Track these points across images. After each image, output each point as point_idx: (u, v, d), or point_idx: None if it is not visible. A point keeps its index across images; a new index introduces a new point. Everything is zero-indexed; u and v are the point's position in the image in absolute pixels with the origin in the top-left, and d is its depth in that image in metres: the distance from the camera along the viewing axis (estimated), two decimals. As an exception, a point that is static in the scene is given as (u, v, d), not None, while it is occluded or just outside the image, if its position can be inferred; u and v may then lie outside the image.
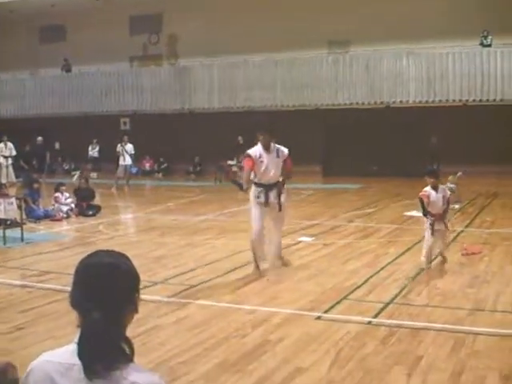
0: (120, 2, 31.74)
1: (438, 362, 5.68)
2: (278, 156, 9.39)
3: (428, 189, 9.54)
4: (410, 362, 5.71)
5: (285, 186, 9.55)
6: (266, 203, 9.32)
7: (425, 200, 9.46)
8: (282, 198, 9.44)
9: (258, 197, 9.34)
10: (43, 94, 34.73)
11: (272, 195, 9.35)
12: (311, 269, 9.88)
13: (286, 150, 9.49)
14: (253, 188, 9.42)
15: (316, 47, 29.25)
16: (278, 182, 9.43)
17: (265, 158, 9.28)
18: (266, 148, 9.34)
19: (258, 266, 9.42)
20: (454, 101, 26.87)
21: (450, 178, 16.54)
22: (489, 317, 7.09)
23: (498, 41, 26.22)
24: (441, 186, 9.79)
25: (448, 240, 10.42)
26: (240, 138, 25.67)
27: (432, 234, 9.43)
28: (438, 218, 9.51)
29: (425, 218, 9.65)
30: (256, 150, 9.33)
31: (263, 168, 9.27)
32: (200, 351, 6.06)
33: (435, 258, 9.75)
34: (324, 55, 29.58)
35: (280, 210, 9.44)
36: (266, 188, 9.33)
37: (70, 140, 31.71)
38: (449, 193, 10.13)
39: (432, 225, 9.45)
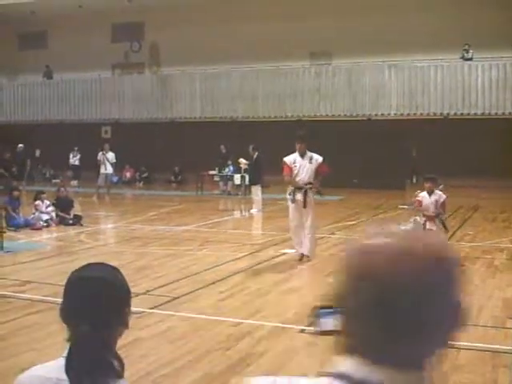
0: (102, 9, 31.69)
1: (421, 377, 5.66)
2: (310, 162, 11.11)
3: (422, 194, 10.66)
4: (394, 376, 5.68)
5: (312, 187, 11.14)
6: (294, 200, 11.10)
7: (417, 205, 10.70)
8: (309, 198, 11.05)
9: (290, 195, 11.17)
10: (24, 101, 34.52)
11: (299, 194, 11.03)
12: (294, 281, 9.89)
13: (320, 158, 11.19)
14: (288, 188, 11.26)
15: (298, 58, 29.40)
16: (309, 183, 11.07)
17: (298, 163, 11.08)
18: (302, 155, 11.11)
19: (296, 250, 11.34)
20: (435, 114, 27.11)
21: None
22: (471, 331, 7.09)
23: (479, 54, 26.50)
24: (437, 192, 10.64)
25: None
26: (222, 146, 25.66)
27: None
28: (430, 220, 10.51)
29: (418, 218, 10.74)
30: (291, 157, 11.18)
31: (296, 171, 11.06)
32: (183, 364, 6.01)
33: None
34: (306, 67, 29.72)
35: (304, 206, 11.05)
36: (297, 188, 11.08)
37: (50, 148, 31.51)
38: (444, 197, 10.69)
39: (424, 225, 10.48)
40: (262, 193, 19.38)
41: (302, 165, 11.06)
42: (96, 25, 32.99)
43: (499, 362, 6.06)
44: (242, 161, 21.72)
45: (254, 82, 30.08)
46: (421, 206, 10.68)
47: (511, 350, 6.42)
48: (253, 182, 19.60)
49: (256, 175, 19.62)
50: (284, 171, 11.27)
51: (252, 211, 18.85)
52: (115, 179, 25.93)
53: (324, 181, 11.51)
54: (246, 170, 21.85)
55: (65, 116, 33.54)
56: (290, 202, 11.25)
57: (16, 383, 2.02)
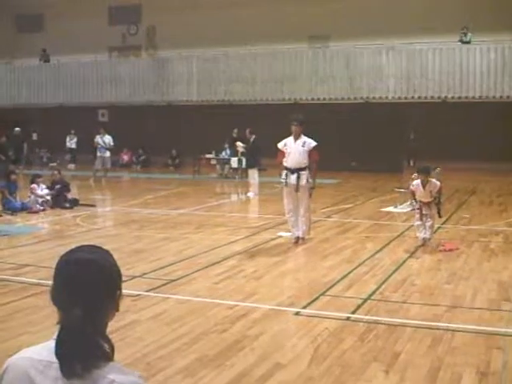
0: (99, -9, 31.51)
1: (415, 359, 5.70)
2: (303, 146, 11.09)
3: (417, 183, 10.81)
4: (388, 358, 5.72)
5: (306, 171, 11.12)
6: (287, 183, 11.17)
7: (411, 194, 11.13)
8: (302, 182, 11.07)
9: (282, 177, 11.21)
10: (20, 85, 34.40)
11: (292, 178, 11.06)
12: (289, 264, 9.92)
13: (313, 143, 11.16)
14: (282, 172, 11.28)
15: (296, 41, 29.27)
16: (301, 167, 11.07)
17: (290, 146, 11.14)
18: (295, 138, 11.14)
19: (292, 233, 11.43)
20: (432, 97, 27.06)
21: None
22: (466, 313, 7.13)
23: (477, 38, 26.41)
24: (431, 181, 10.79)
25: (434, 222, 11.08)
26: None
27: (420, 218, 10.83)
28: (425, 205, 10.77)
29: (414, 202, 11.17)
30: (283, 141, 11.28)
31: (287, 154, 11.13)
32: (178, 346, 6.03)
33: (422, 246, 10.75)
34: (304, 49, 29.60)
35: (297, 190, 11.13)
36: (290, 171, 11.12)
37: (47, 131, 31.44)
38: (438, 184, 10.81)
39: (420, 209, 10.81)
40: (259, 176, 19.36)
41: (294, 148, 11.11)
42: (93, 7, 32.81)
43: (493, 344, 6.09)
44: (239, 144, 21.68)
45: (252, 65, 29.98)
46: (414, 196, 10.96)
47: (505, 332, 6.45)
48: (250, 166, 19.57)
49: (253, 159, 19.59)
50: (278, 156, 11.41)
51: (249, 194, 18.84)
52: (109, 164, 25.36)
53: (320, 164, 11.49)
54: (243, 154, 21.79)
55: (62, 99, 33.42)
56: (283, 186, 11.34)
57: (6, 365, 2.02)
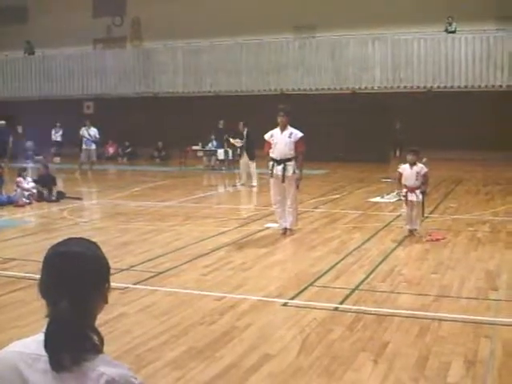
0: (82, -18, 31.30)
1: (403, 348, 5.73)
2: (289, 137, 11.10)
3: (404, 166, 10.91)
4: (377, 347, 5.75)
5: (293, 162, 11.12)
6: (273, 174, 11.22)
7: (398, 176, 11.07)
8: (288, 173, 11.07)
9: (269, 168, 11.26)
10: (5, 77, 34.16)
11: (279, 168, 11.09)
12: (278, 255, 9.92)
13: (299, 134, 11.14)
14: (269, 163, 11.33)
15: (282, 32, 29.21)
16: (288, 158, 11.08)
17: (275, 137, 11.18)
18: (282, 129, 11.16)
19: (279, 224, 11.44)
20: (418, 87, 27.11)
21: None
22: (453, 303, 7.17)
23: (462, 27, 26.47)
24: (419, 164, 10.88)
25: (421, 211, 11.18)
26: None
27: (406, 203, 10.95)
28: (411, 191, 10.77)
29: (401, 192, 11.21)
30: (269, 132, 11.33)
31: (273, 145, 11.16)
32: (167, 338, 6.03)
33: (409, 236, 10.83)
34: (290, 40, 29.55)
35: (283, 181, 11.12)
36: (276, 162, 11.15)
37: (32, 124, 31.19)
38: (425, 169, 10.90)
39: (405, 196, 10.85)
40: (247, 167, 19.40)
41: (280, 139, 11.13)
42: (77, -1, 32.60)
43: (481, 333, 6.12)
44: (237, 141, 21.19)
45: (238, 56, 29.91)
46: (401, 181, 10.95)
47: (493, 321, 6.48)
48: (251, 158, 19.43)
49: (251, 151, 19.48)
50: (265, 147, 11.47)
51: (253, 184, 18.92)
52: (94, 157, 25.10)
53: (308, 154, 11.49)
54: (242, 148, 21.21)
55: (47, 92, 33.21)
56: (270, 177, 11.41)
57: None
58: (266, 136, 11.38)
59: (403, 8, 26.76)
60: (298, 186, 11.35)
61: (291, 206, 11.33)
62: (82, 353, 1.90)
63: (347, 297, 7.35)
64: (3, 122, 26.87)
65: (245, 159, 19.39)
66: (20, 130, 32.53)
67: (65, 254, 2.00)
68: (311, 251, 10.01)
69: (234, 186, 19.27)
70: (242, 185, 19.12)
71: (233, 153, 23.15)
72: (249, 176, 19.33)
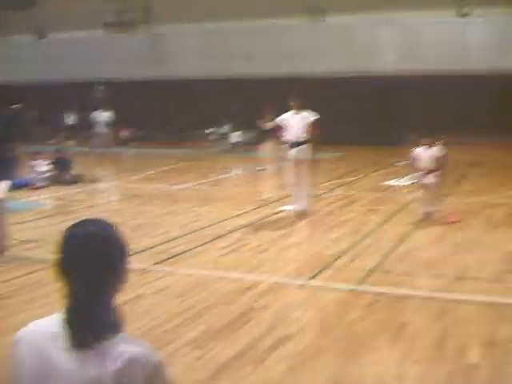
0: (92, -34, 31.16)
1: (421, 330, 5.73)
2: (303, 119, 11.20)
3: (417, 149, 10.87)
4: (395, 329, 5.75)
5: (307, 145, 11.21)
6: (288, 157, 11.39)
7: (412, 160, 11.04)
8: (302, 155, 11.18)
9: (286, 152, 11.45)
10: (17, 62, 34.18)
11: (293, 151, 11.25)
12: (294, 237, 9.92)
13: (313, 116, 11.22)
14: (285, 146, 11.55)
15: (294, 16, 29.00)
16: (302, 141, 11.20)
17: (289, 120, 11.30)
18: (296, 112, 11.25)
19: (295, 206, 11.43)
20: (431, 70, 26.87)
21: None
22: (471, 284, 7.15)
23: (475, 10, 26.19)
24: (435, 147, 10.79)
25: (437, 194, 11.09)
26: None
27: (422, 186, 11.00)
28: (426, 173, 10.77)
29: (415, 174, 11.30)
30: (282, 115, 11.47)
31: (289, 128, 11.30)
32: (185, 319, 6.06)
33: (425, 218, 10.75)
34: (302, 23, 29.35)
35: (298, 164, 11.22)
36: (291, 145, 11.33)
37: (45, 108, 31.26)
38: (442, 152, 10.85)
39: (421, 179, 10.89)
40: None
41: (294, 122, 11.26)
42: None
43: (499, 315, 6.11)
44: (269, 124, 20.93)
45: (250, 40, 29.73)
46: (416, 165, 10.92)
47: (511, 303, 6.46)
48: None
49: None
50: (276, 130, 11.78)
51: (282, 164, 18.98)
52: (108, 140, 25.29)
53: (322, 137, 11.44)
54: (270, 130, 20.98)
55: (59, 76, 33.18)
56: (285, 159, 11.59)
57: (16, 339, 2.02)
58: (278, 119, 11.61)
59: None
60: (314, 168, 11.36)
61: (306, 189, 11.41)
62: (101, 331, 1.92)
63: (364, 278, 7.34)
64: (19, 105, 26.96)
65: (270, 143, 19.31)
66: (34, 114, 32.63)
67: (82, 234, 2.00)
68: (327, 233, 9.99)
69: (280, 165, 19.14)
70: None
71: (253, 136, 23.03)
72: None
